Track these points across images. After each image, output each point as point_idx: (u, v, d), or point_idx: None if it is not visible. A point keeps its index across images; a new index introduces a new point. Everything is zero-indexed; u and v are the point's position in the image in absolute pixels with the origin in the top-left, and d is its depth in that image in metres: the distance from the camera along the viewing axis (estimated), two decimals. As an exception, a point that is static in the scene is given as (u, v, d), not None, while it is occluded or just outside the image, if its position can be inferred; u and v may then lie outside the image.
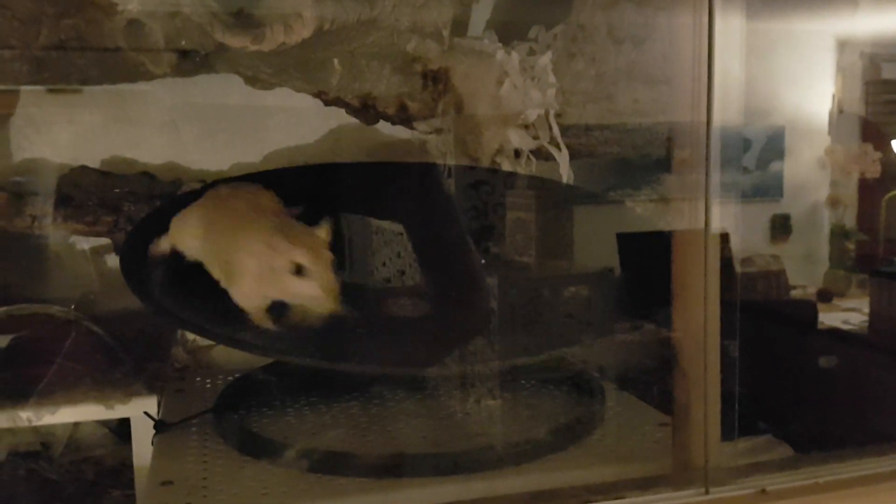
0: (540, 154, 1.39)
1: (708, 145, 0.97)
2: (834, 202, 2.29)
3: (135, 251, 1.29)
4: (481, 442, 1.19)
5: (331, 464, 1.12)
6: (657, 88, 1.35)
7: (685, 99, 1.00)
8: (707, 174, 0.97)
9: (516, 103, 1.34)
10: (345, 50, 1.28)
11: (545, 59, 1.34)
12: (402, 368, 1.29)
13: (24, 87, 1.55)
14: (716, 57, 0.98)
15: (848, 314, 2.11)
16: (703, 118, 0.97)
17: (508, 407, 1.28)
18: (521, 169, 1.38)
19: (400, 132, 1.55)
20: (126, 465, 1.48)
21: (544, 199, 1.36)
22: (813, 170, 2.25)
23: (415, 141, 1.52)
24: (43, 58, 1.24)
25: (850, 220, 2.31)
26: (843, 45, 2.16)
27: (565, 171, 1.36)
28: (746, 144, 1.93)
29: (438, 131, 1.41)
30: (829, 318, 2.07)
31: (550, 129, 1.36)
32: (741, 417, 1.38)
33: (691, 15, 0.98)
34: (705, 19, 0.97)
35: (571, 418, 1.26)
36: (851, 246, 2.30)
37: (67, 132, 1.61)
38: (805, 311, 2.04)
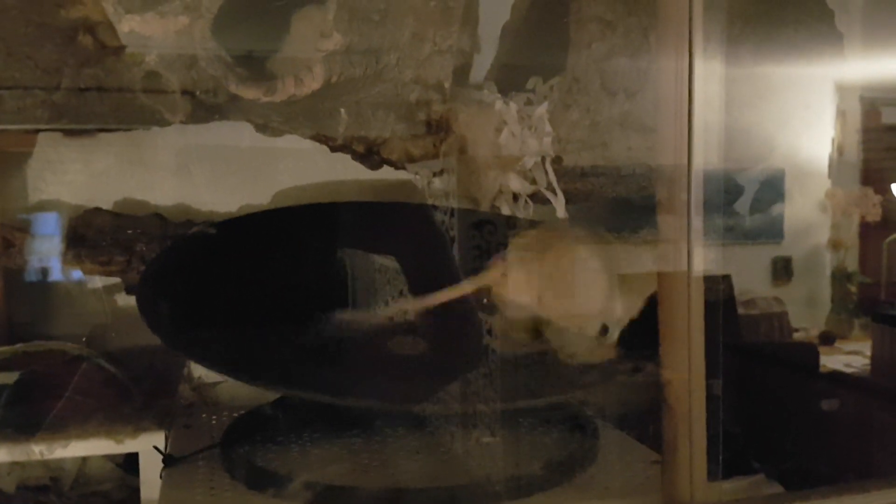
0: (537, 198, 1.43)
1: (689, 189, 1.00)
2: (835, 245, 2.25)
3: (150, 288, 1.33)
4: (479, 477, 1.22)
5: (332, 497, 1.15)
6: (649, 136, 1.39)
7: (673, 144, 1.03)
8: (689, 217, 1.01)
9: (514, 150, 1.38)
10: (351, 100, 1.32)
11: (542, 110, 1.38)
12: (394, 403, 1.32)
13: (41, 133, 1.60)
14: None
15: (850, 357, 2.09)
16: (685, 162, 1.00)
17: (506, 444, 1.31)
18: (520, 212, 1.42)
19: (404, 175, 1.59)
20: (132, 498, 1.51)
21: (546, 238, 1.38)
22: (814, 213, 2.23)
23: (418, 183, 1.55)
24: (63, 104, 1.29)
25: (851, 263, 2.27)
26: (842, 90, 2.16)
27: (561, 215, 1.40)
28: (738, 189, 1.94)
29: (439, 175, 1.45)
30: (832, 360, 2.05)
31: (547, 174, 1.40)
32: (739, 458, 1.39)
33: (674, 62, 1.02)
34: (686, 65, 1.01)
35: (566, 455, 1.29)
36: (853, 289, 2.26)
37: (82, 175, 1.65)
38: (807, 354, 2.02)
